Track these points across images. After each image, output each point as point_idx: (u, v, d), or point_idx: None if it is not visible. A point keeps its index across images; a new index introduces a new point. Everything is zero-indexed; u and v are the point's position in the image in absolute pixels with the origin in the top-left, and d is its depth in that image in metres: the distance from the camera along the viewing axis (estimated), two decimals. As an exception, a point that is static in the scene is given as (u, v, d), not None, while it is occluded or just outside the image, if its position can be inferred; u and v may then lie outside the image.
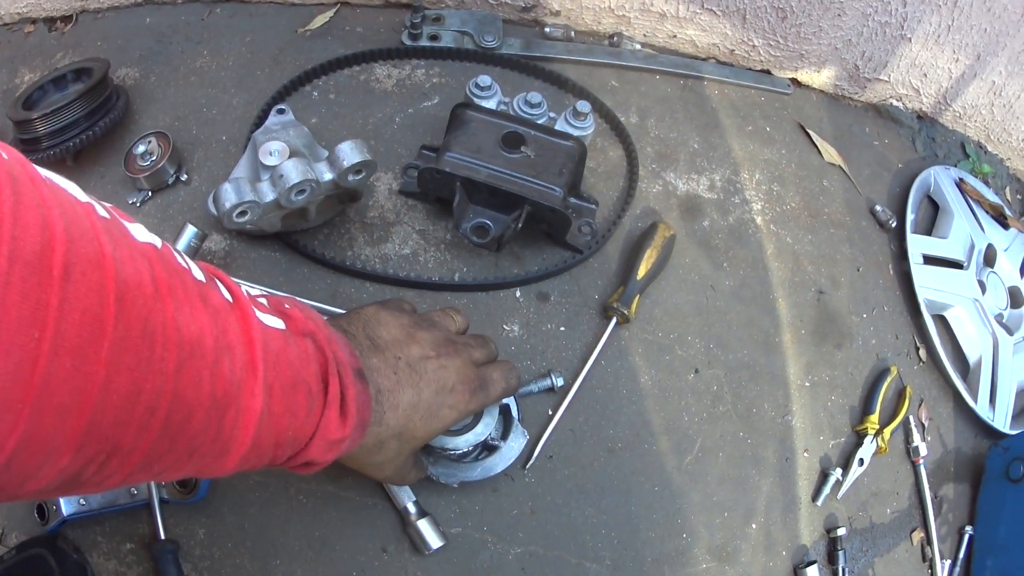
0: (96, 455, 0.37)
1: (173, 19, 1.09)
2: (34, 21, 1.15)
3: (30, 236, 0.32)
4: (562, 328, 0.91)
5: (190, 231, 0.88)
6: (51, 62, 1.09)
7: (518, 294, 0.92)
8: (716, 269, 0.99)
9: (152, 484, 0.77)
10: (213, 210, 0.88)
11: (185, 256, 0.46)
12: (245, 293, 0.49)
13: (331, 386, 0.52)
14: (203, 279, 0.45)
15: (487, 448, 0.80)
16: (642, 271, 0.91)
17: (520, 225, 0.86)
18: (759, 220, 1.04)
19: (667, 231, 0.94)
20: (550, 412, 0.88)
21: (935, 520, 0.99)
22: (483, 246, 0.87)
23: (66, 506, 0.74)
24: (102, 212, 0.39)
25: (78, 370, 0.33)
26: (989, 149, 1.32)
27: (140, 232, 0.42)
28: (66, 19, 1.16)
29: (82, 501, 0.75)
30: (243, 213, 0.82)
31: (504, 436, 0.80)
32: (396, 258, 0.91)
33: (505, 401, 0.80)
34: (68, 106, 0.90)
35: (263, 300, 0.52)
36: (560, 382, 0.88)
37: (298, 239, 0.90)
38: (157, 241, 0.43)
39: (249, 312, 0.47)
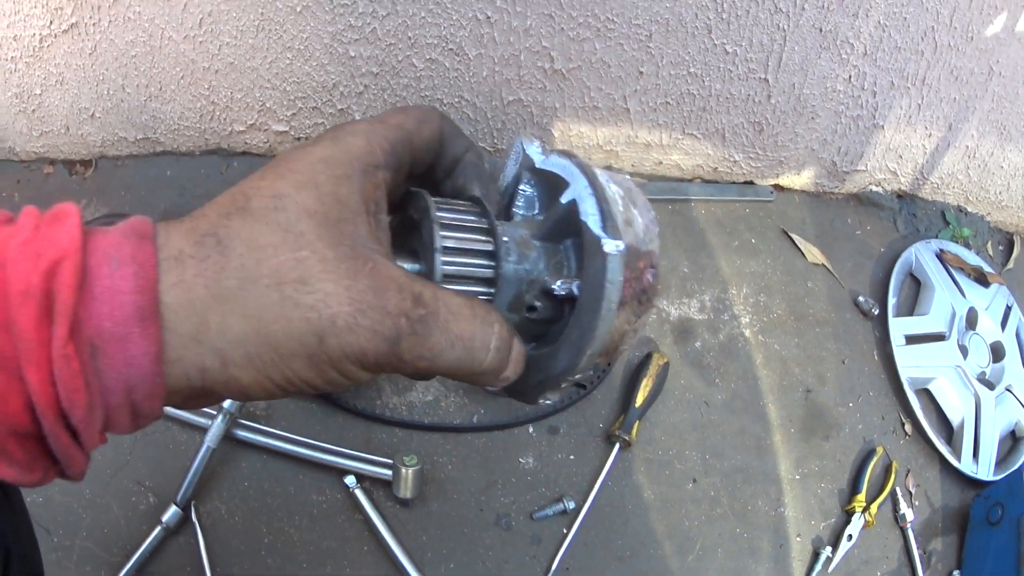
0: None
1: (193, 171, 1.18)
2: (52, 162, 1.23)
3: None
4: (571, 457, 1.02)
5: (234, 389, 0.99)
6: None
7: (531, 430, 1.03)
8: (709, 386, 1.09)
9: None
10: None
11: None
12: None
13: None
14: None
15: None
16: (640, 399, 1.01)
17: (528, 375, 0.96)
18: (748, 333, 1.13)
19: (661, 359, 1.03)
20: (564, 531, 0.99)
21: (924, 573, 1.10)
22: (496, 393, 0.97)
23: None
24: None
25: None
26: (969, 210, 1.39)
27: None
28: (85, 163, 1.24)
29: None
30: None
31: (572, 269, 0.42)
32: (421, 405, 1.02)
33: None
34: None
35: None
36: (572, 505, 0.99)
37: (331, 391, 1.01)
38: None
39: None
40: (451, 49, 1.04)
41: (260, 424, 1.00)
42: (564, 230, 0.41)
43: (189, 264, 0.30)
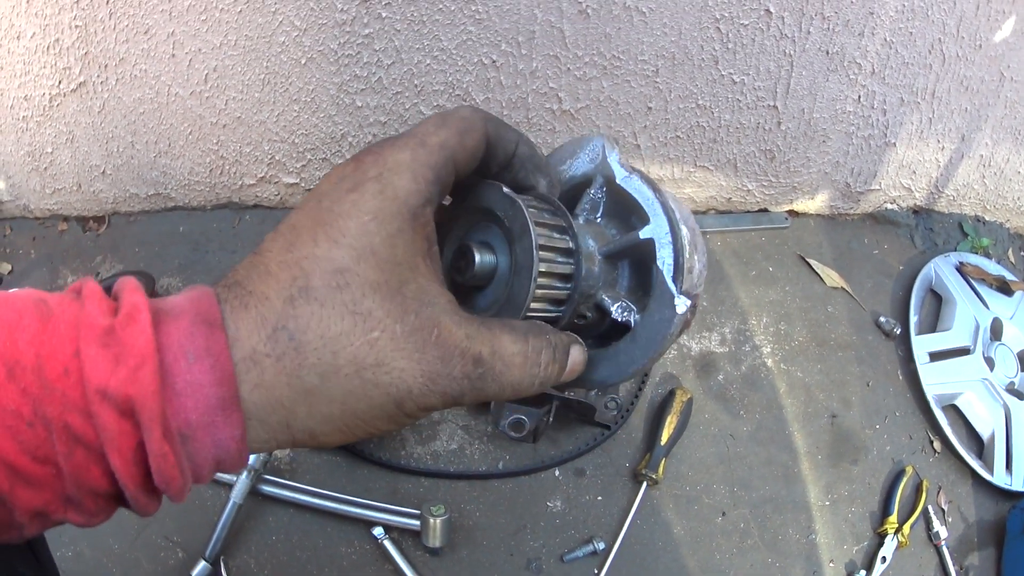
0: None
1: (205, 226, 1.18)
2: (66, 219, 1.24)
3: None
4: (599, 497, 1.01)
5: (258, 445, 0.99)
6: (91, 265, 1.18)
7: (557, 473, 1.02)
8: (734, 418, 1.08)
9: None
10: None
11: None
12: None
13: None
14: None
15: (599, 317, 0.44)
16: (665, 437, 1.00)
17: (552, 419, 0.96)
18: (770, 362, 1.12)
19: (684, 395, 1.03)
20: (596, 571, 0.98)
21: (961, 590, 1.09)
22: (521, 439, 0.97)
23: None
24: None
25: None
26: (987, 219, 1.37)
27: None
28: (99, 220, 1.25)
29: None
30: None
31: (639, 301, 0.44)
32: (445, 454, 1.02)
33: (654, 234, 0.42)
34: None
35: None
36: (601, 546, 0.99)
37: (355, 444, 1.01)
38: None
39: None
40: (458, 95, 1.04)
41: (285, 479, 1.00)
42: (630, 255, 0.44)
43: (266, 364, 0.32)
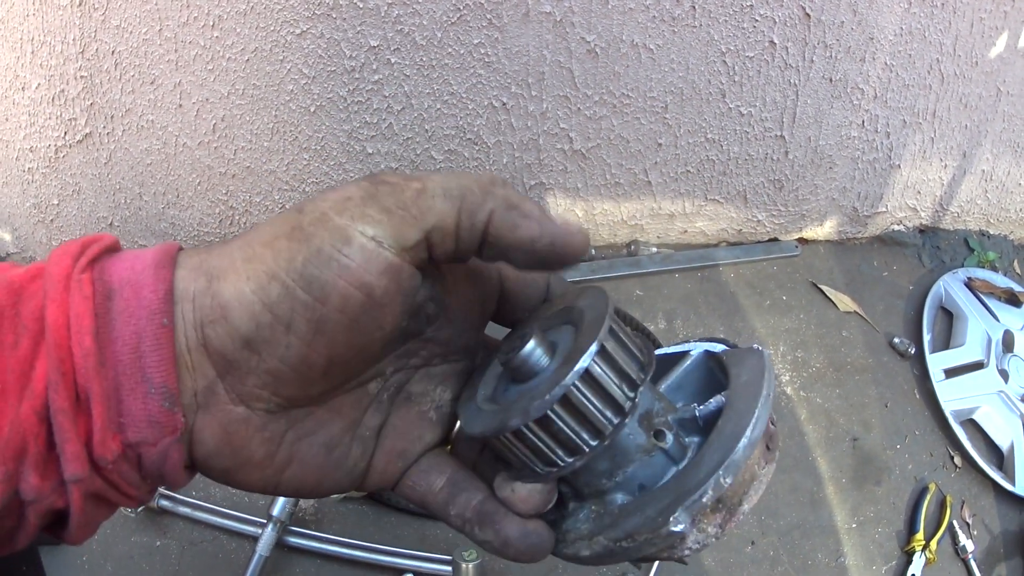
0: None
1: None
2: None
3: None
4: (629, 534, 1.01)
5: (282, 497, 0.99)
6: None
7: (585, 512, 1.02)
8: (757, 448, 1.08)
9: None
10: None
11: None
12: None
13: None
14: None
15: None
16: (692, 471, 1.01)
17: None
18: (789, 391, 1.12)
19: (709, 429, 1.03)
20: (629, 604, 0.98)
21: (990, 600, 1.10)
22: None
23: None
24: None
25: None
26: (991, 232, 1.39)
27: None
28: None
29: None
30: (334, 489, 0.92)
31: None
32: (472, 498, 1.01)
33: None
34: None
35: None
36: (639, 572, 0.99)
37: (380, 492, 1.00)
38: None
39: None
40: (469, 139, 1.04)
41: (311, 529, 0.99)
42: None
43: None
